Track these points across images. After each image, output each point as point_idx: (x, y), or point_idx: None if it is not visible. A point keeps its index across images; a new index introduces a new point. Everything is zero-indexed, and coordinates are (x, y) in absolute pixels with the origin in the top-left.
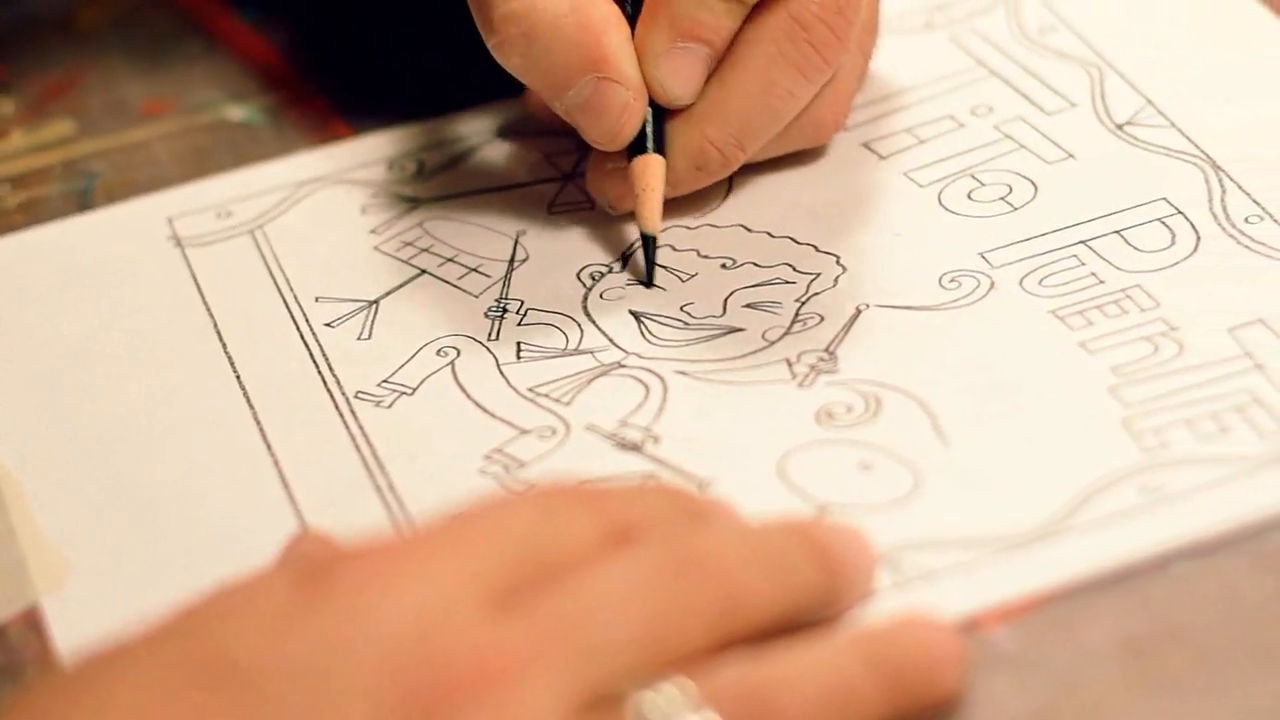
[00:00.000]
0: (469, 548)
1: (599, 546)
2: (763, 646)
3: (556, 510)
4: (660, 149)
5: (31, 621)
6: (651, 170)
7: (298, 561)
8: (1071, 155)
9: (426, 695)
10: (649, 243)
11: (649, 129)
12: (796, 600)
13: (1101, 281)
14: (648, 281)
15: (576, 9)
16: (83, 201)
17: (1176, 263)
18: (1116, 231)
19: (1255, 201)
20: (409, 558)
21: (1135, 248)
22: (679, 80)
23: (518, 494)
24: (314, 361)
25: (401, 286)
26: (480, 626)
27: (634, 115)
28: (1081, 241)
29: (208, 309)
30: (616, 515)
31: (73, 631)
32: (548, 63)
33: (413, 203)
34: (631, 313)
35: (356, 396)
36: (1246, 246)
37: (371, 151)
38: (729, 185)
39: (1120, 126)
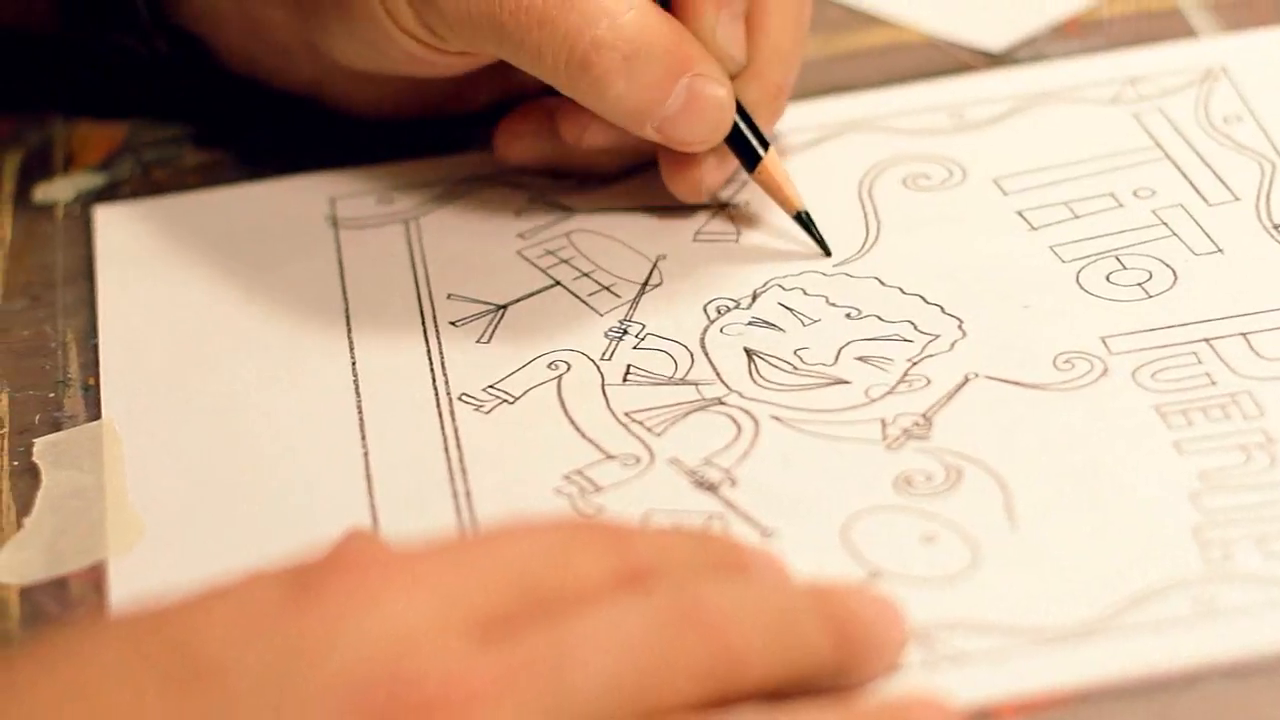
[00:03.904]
0: (469, 571)
1: (606, 587)
2: (774, 705)
3: (573, 544)
4: (760, 137)
5: (95, 579)
6: (776, 158)
7: (296, 564)
8: (1220, 249)
9: (389, 714)
10: (809, 219)
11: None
12: (800, 667)
13: (1214, 383)
14: (828, 250)
15: (644, 14)
16: (256, 171)
17: None
18: (1242, 334)
19: None
20: (404, 573)
21: (1257, 353)
22: (739, 46)
23: (540, 522)
24: (429, 358)
25: (533, 295)
26: (456, 652)
27: (730, 103)
28: (1205, 339)
29: (344, 292)
30: (636, 558)
31: (130, 594)
32: (649, 78)
33: (567, 212)
34: (746, 350)
35: (460, 399)
36: None
37: None
38: (877, 236)
39: (1277, 226)
